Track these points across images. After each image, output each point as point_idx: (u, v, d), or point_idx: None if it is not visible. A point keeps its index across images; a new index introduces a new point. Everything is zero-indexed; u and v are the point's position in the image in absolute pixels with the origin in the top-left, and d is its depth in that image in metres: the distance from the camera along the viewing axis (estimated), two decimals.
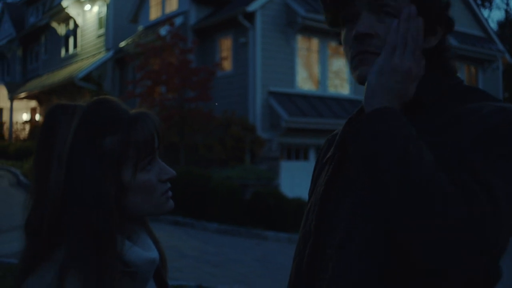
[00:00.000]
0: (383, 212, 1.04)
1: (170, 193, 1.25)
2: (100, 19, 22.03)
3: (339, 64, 16.46)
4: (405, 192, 1.00)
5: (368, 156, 1.07)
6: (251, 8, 14.61)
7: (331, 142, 1.45)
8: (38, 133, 1.21)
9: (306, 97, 15.35)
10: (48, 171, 1.13)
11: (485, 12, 35.78)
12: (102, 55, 20.86)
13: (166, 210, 1.25)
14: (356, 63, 1.22)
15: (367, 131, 1.09)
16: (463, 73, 19.78)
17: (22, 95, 25.27)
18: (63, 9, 23.32)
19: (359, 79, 1.22)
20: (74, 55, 23.96)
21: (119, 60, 20.09)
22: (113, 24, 21.06)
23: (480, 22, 20.78)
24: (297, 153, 15.59)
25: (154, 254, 1.25)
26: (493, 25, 36.93)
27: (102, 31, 21.67)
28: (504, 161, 1.03)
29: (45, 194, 1.12)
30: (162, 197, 1.23)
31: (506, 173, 1.02)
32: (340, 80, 16.64)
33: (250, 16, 14.81)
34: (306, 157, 15.65)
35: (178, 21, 16.28)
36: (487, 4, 33.85)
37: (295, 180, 14.22)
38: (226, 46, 16.10)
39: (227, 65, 15.89)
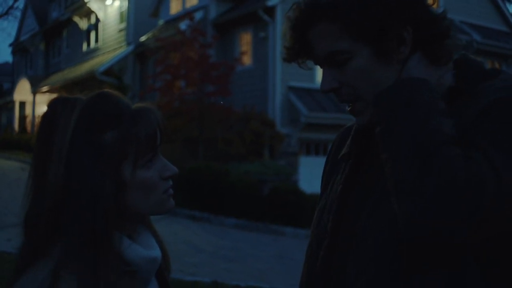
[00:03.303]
0: (390, 174, 1.05)
1: (171, 191, 1.21)
2: (121, 14, 22.15)
3: None
4: (411, 151, 1.01)
5: (391, 112, 1.08)
6: (271, 2, 14.55)
7: (344, 136, 1.39)
8: (38, 126, 1.18)
9: None
10: (47, 165, 1.10)
11: (510, 7, 35.16)
12: (123, 49, 20.98)
13: (167, 209, 1.21)
14: (350, 112, 1.24)
15: (394, 95, 1.09)
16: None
17: (45, 88, 25.54)
18: (85, 3, 23.51)
19: (360, 127, 1.26)
20: (96, 49, 24.13)
21: (139, 54, 20.18)
22: (134, 19, 21.16)
23: (504, 17, 20.45)
24: (317, 149, 15.51)
25: (155, 253, 1.21)
26: None
27: (123, 25, 21.79)
28: (501, 134, 1.02)
29: (43, 189, 1.10)
30: (164, 195, 1.19)
31: (504, 146, 1.01)
32: None
33: (270, 11, 14.74)
34: (325, 153, 15.51)
35: (198, 15, 16.27)
36: None
37: (314, 175, 14.06)
38: (245, 40, 16.06)
39: (247, 59, 15.85)
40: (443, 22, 1.17)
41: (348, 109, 1.23)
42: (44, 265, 1.06)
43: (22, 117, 29.79)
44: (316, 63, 1.23)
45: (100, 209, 1.08)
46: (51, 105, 1.17)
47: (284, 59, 1.27)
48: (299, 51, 1.22)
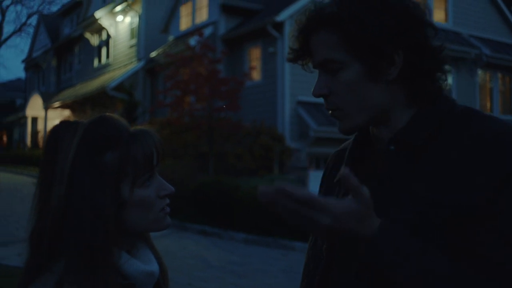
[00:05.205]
0: None
1: (168, 209, 1.26)
2: (132, 30, 22.38)
3: None
4: None
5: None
6: (280, 18, 14.65)
7: (338, 158, 1.41)
8: (43, 149, 1.24)
9: None
10: (50, 185, 1.16)
11: None
12: (134, 65, 21.17)
13: (164, 226, 1.27)
14: (332, 116, 1.28)
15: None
16: (497, 82, 19.42)
17: (56, 104, 25.78)
18: (96, 20, 23.78)
19: (342, 132, 1.28)
20: (107, 65, 24.36)
21: (150, 70, 20.35)
22: (145, 35, 21.38)
23: None
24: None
25: (153, 267, 1.26)
26: None
27: (134, 41, 22.00)
28: None
29: (47, 208, 1.16)
30: (160, 213, 1.25)
31: None
32: None
33: (279, 26, 14.85)
34: None
35: (207, 31, 16.42)
36: None
37: None
38: (255, 56, 16.16)
39: (256, 75, 15.93)
40: (439, 54, 1.19)
41: (330, 113, 1.28)
42: (47, 280, 1.11)
43: (34, 133, 30.06)
44: (314, 67, 1.28)
45: (100, 226, 1.13)
46: (55, 128, 1.23)
47: (288, 59, 1.32)
48: (303, 53, 1.27)
